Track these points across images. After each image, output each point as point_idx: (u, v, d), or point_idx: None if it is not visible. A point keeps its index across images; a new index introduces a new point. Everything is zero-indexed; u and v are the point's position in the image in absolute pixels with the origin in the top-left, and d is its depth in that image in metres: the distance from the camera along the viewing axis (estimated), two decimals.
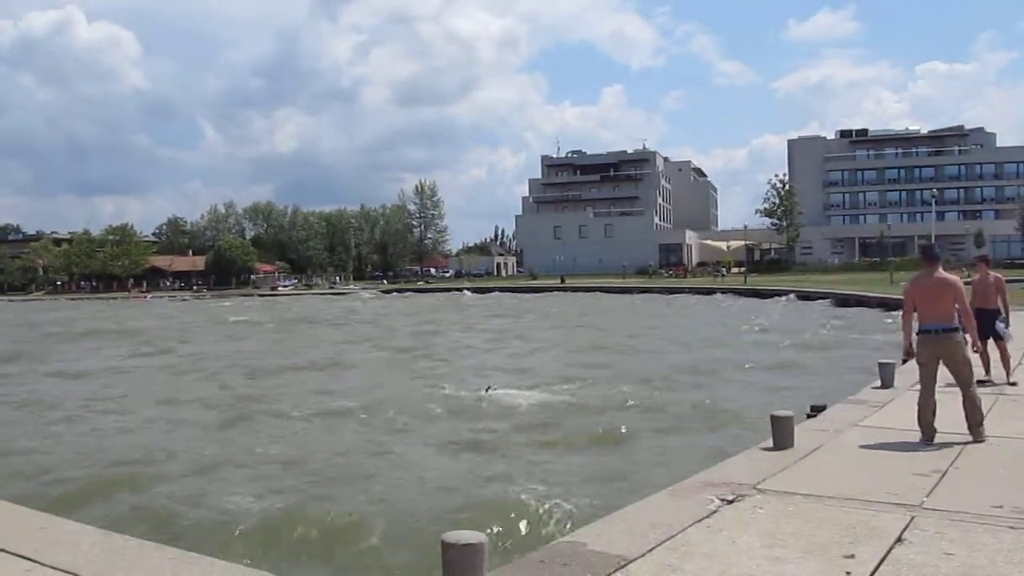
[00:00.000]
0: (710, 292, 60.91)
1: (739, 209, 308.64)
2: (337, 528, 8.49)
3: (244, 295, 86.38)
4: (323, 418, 14.92)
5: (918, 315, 7.99)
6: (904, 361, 9.10)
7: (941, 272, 8.02)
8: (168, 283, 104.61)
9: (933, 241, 56.29)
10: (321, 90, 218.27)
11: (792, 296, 50.68)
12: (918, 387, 11.05)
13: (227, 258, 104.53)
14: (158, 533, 7.20)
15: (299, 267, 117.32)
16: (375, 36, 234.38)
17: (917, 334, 8.00)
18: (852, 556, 4.68)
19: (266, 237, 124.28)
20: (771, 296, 53.06)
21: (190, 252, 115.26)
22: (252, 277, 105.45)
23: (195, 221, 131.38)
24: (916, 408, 7.93)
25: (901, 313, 8.24)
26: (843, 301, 43.49)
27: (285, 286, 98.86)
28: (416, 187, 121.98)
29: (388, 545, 7.97)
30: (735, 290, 60.25)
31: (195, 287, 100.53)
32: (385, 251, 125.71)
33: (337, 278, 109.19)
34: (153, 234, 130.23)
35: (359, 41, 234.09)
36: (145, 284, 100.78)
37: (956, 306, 7.91)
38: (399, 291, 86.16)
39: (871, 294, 42.21)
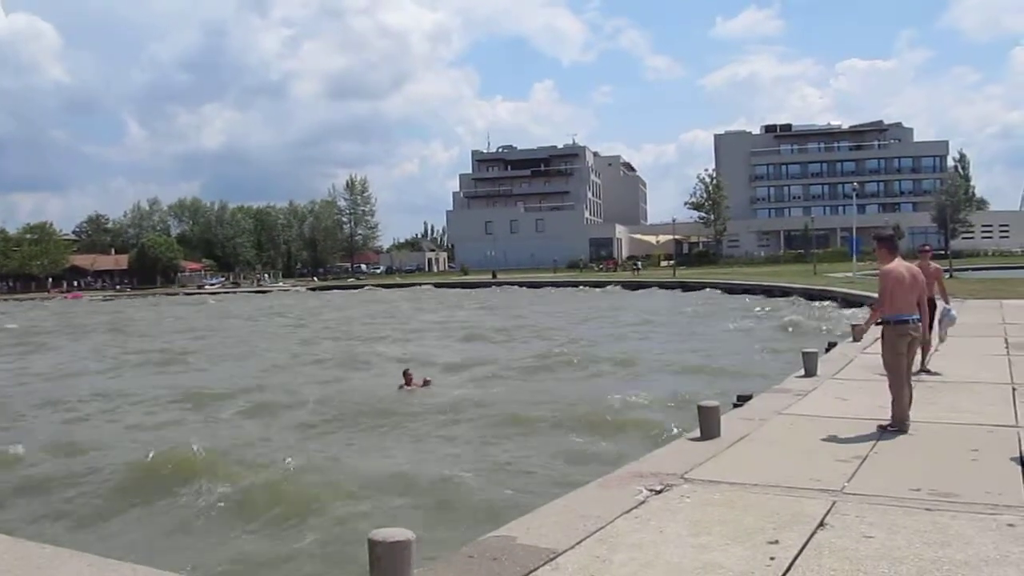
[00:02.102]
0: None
1: (669, 203, 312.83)
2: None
3: (169, 294, 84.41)
4: None
5: (893, 303, 7.85)
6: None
7: (911, 263, 8.17)
8: (89, 282, 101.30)
9: (855, 234, 57.77)
10: (250, 84, 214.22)
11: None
12: (840, 376, 11.40)
13: (151, 256, 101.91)
14: None
15: (226, 265, 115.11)
16: (306, 30, 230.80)
17: (891, 323, 7.87)
18: (776, 542, 4.76)
19: (192, 234, 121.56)
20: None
21: (112, 251, 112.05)
22: (177, 275, 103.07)
23: (118, 219, 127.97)
24: (897, 400, 7.82)
25: (880, 295, 7.99)
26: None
27: (212, 284, 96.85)
28: (347, 182, 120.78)
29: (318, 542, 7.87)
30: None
31: (118, 287, 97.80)
32: (315, 247, 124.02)
33: (266, 275, 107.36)
34: (74, 232, 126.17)
35: (289, 35, 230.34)
36: (65, 284, 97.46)
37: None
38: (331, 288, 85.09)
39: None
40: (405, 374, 17.38)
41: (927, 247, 12.71)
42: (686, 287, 55.79)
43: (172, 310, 56.55)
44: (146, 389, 18.37)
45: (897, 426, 7.75)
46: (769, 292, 44.12)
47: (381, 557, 4.01)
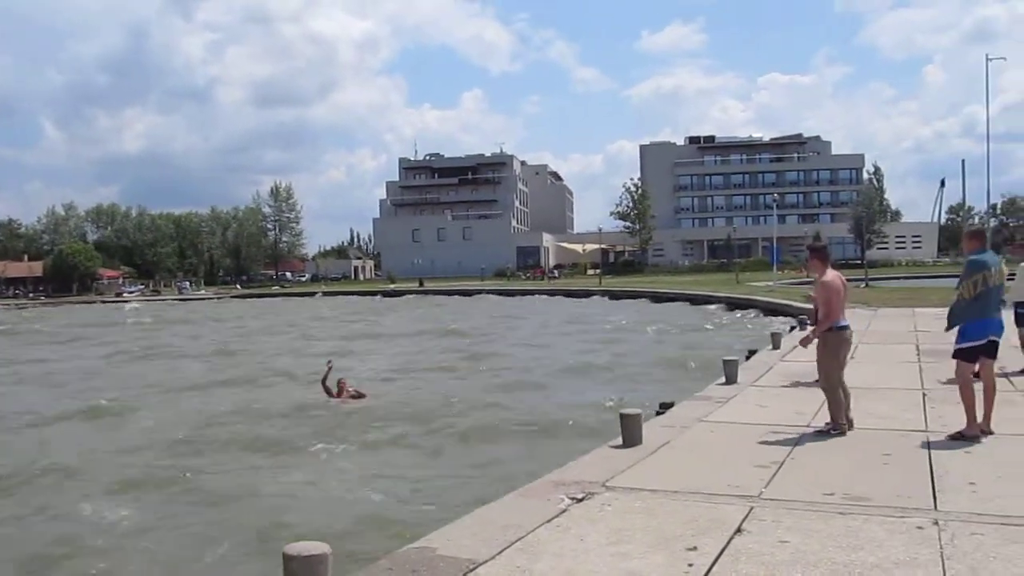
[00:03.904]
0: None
1: (595, 212, 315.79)
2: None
3: (86, 302, 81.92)
4: None
5: (833, 312, 8.02)
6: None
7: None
8: (0, 290, 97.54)
9: (776, 243, 59.11)
10: (173, 88, 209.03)
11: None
12: (760, 384, 11.60)
13: (68, 263, 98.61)
14: None
15: (146, 272, 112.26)
16: (231, 35, 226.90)
17: (835, 330, 8.04)
18: (695, 548, 4.80)
19: (110, 241, 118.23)
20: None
21: (25, 257, 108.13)
22: (95, 284, 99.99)
23: (31, 224, 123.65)
24: (835, 402, 8.03)
25: (824, 305, 8.17)
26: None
27: (131, 292, 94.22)
28: (271, 189, 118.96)
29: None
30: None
31: (31, 295, 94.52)
32: (238, 255, 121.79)
33: (188, 283, 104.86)
34: None
35: (214, 39, 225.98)
36: None
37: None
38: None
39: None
40: (339, 383, 16.08)
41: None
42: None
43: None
44: None
45: (838, 428, 7.96)
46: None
47: (296, 572, 3.91)
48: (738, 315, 35.90)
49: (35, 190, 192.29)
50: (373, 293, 77.26)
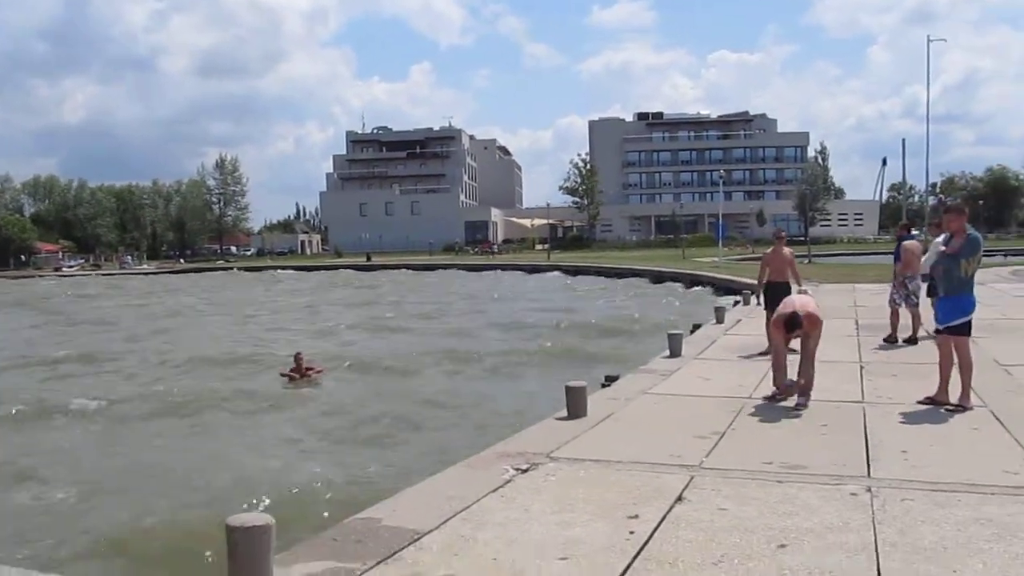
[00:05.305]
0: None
1: (545, 188, 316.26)
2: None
3: (23, 277, 79.92)
4: None
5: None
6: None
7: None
8: None
9: (721, 220, 59.76)
10: (114, 57, 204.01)
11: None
12: (703, 357, 11.80)
13: (3, 237, 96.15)
14: None
15: (87, 246, 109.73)
16: (175, 3, 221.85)
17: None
18: (636, 516, 4.89)
19: (48, 214, 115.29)
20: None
21: None
22: (32, 258, 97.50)
23: None
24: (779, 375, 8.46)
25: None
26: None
27: (70, 267, 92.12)
28: (216, 161, 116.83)
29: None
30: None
31: None
32: (182, 228, 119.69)
33: (129, 257, 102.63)
34: None
35: (157, 8, 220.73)
36: None
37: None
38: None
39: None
40: (296, 358, 15.73)
41: (783, 233, 13.23)
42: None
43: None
44: None
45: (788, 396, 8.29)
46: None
47: (239, 543, 3.89)
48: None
49: None
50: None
